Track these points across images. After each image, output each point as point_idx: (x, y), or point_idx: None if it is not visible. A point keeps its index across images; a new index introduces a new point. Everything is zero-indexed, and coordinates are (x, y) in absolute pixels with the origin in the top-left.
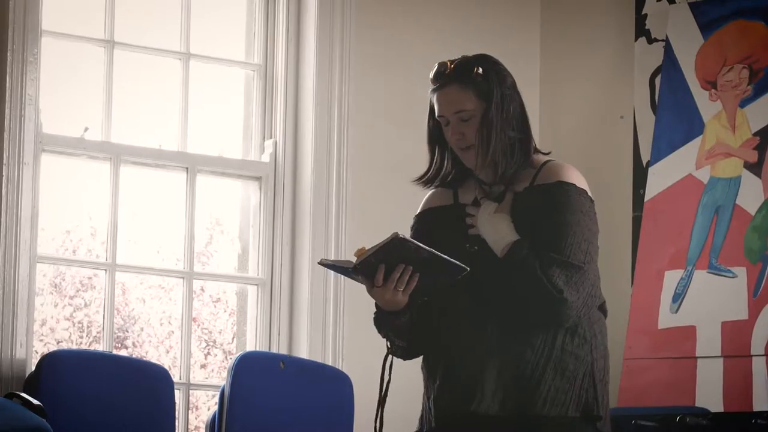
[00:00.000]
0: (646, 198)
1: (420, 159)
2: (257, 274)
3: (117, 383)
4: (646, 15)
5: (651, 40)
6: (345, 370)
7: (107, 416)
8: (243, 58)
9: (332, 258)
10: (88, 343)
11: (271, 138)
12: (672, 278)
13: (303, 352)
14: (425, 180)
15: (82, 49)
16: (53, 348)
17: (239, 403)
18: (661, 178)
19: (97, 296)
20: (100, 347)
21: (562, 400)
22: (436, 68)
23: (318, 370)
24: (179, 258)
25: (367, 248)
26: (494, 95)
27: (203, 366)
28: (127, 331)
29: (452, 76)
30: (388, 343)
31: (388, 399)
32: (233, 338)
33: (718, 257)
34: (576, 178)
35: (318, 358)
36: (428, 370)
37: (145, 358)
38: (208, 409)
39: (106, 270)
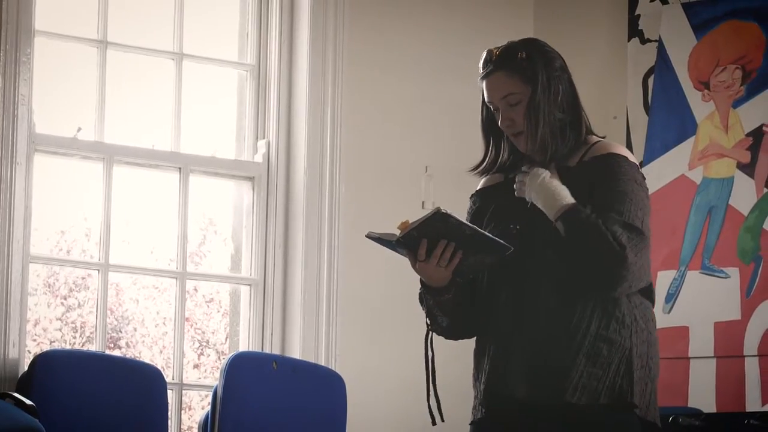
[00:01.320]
0: None
1: (413, 159)
2: (250, 275)
3: (110, 383)
4: (639, 15)
5: (644, 41)
6: (337, 370)
7: (100, 416)
8: (236, 58)
9: (378, 232)
10: (81, 344)
11: (264, 138)
12: (665, 278)
13: (296, 352)
14: (481, 170)
15: (75, 49)
16: (46, 348)
17: (232, 403)
18: (654, 178)
19: (91, 296)
20: (93, 347)
21: (594, 386)
22: (483, 56)
23: (311, 371)
24: (172, 258)
25: (410, 222)
26: (540, 78)
27: (196, 366)
28: (121, 332)
29: (497, 63)
30: (428, 320)
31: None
32: (226, 338)
33: (710, 258)
34: (627, 153)
35: (311, 359)
36: (478, 356)
37: (138, 358)
38: (202, 409)
39: (99, 270)
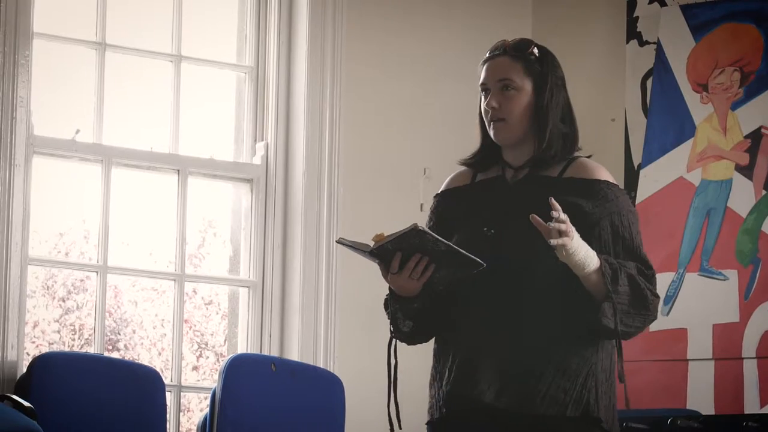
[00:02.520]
0: (638, 200)
1: (411, 161)
2: (249, 277)
3: (108, 385)
4: (637, 17)
5: (642, 43)
6: (336, 372)
7: (98, 418)
8: (234, 60)
9: (350, 240)
10: (79, 346)
11: (262, 140)
12: (663, 281)
13: (294, 354)
14: (475, 162)
15: (73, 52)
16: (45, 350)
17: (231, 405)
18: (652, 180)
19: (89, 298)
20: (92, 349)
21: (562, 399)
22: (494, 44)
23: (309, 372)
24: (171, 260)
25: (386, 234)
26: (549, 79)
27: (195, 368)
28: (119, 334)
29: (507, 50)
30: (392, 327)
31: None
32: (225, 340)
33: (709, 260)
34: (611, 177)
35: (309, 361)
36: (442, 357)
37: (136, 361)
38: (201, 411)
39: (97, 272)
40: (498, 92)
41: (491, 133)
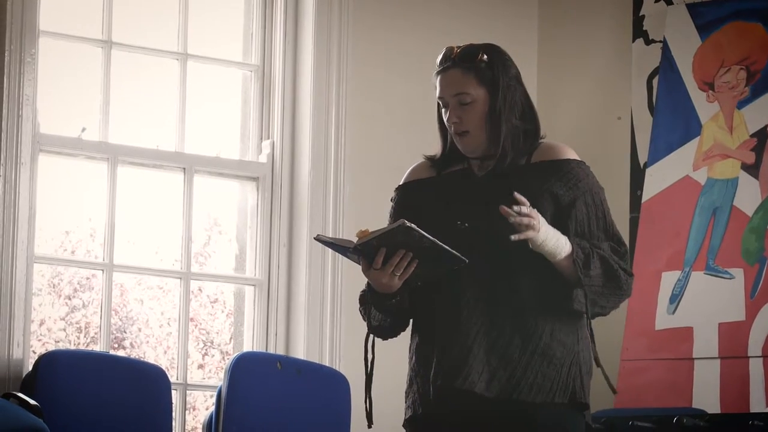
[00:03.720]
0: (644, 199)
1: (417, 159)
2: (254, 275)
3: (114, 383)
4: (643, 16)
5: (649, 42)
6: (342, 371)
7: (104, 416)
8: (240, 58)
9: (330, 236)
10: (85, 344)
11: (268, 138)
12: (669, 279)
13: (300, 352)
14: (437, 162)
15: (79, 50)
16: (51, 348)
17: (236, 404)
18: (658, 179)
19: (95, 297)
20: (98, 348)
21: (549, 386)
22: (442, 52)
23: (315, 371)
24: (177, 258)
25: (370, 230)
26: (500, 84)
27: (200, 366)
28: (125, 332)
29: (456, 60)
30: (367, 322)
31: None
32: (230, 339)
33: (715, 258)
34: (575, 154)
35: (315, 359)
36: (425, 352)
37: (142, 359)
38: (206, 410)
39: (103, 270)
40: (456, 106)
41: (459, 146)
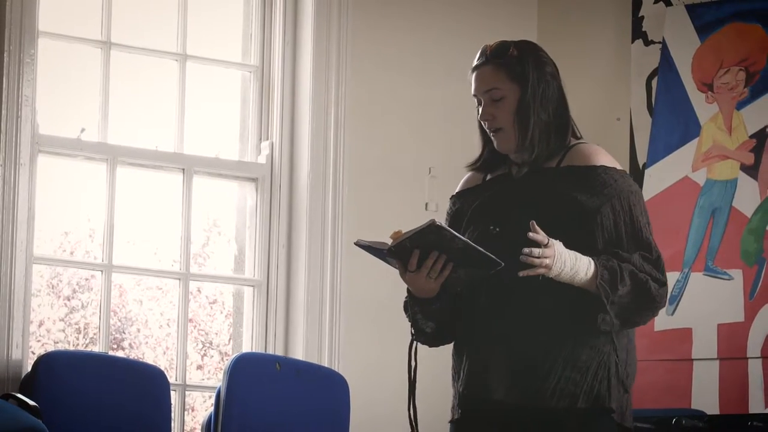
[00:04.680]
0: None
1: (416, 160)
2: (253, 276)
3: (113, 384)
4: (643, 17)
5: (648, 42)
6: (341, 372)
7: (103, 417)
8: (240, 59)
9: (368, 240)
10: (84, 345)
11: (267, 139)
12: (668, 280)
13: (299, 353)
14: (478, 166)
15: (79, 50)
16: (50, 349)
17: (235, 405)
18: (657, 180)
19: (94, 297)
20: (97, 348)
21: (572, 391)
22: (480, 51)
23: (314, 372)
24: (176, 259)
25: (403, 231)
26: (530, 78)
27: (199, 367)
28: (124, 333)
29: (489, 57)
30: (413, 330)
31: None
32: (229, 339)
33: (714, 259)
34: (610, 158)
35: (314, 360)
36: (457, 357)
37: (141, 360)
38: (205, 410)
39: (102, 271)
40: (489, 103)
41: (495, 143)
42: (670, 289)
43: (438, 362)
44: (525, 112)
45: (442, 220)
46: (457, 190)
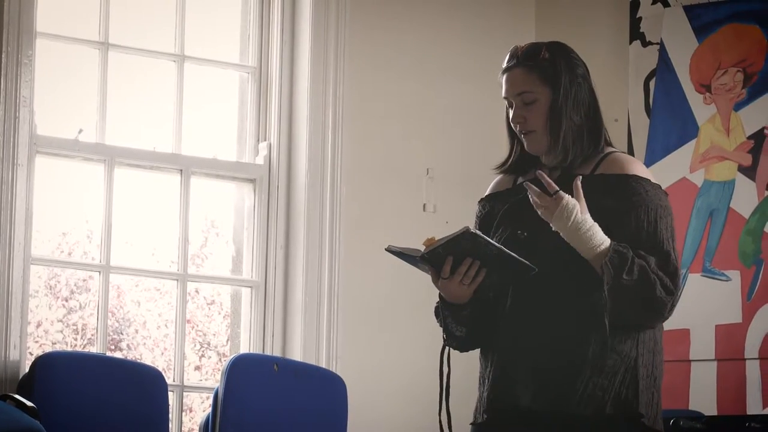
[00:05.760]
0: None
1: (414, 161)
2: (251, 277)
3: (111, 385)
4: (640, 18)
5: (646, 43)
6: (339, 373)
7: (101, 418)
8: (237, 60)
9: (399, 246)
10: (82, 345)
11: (265, 140)
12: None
13: (297, 354)
14: (506, 168)
15: (76, 51)
16: (48, 350)
17: (233, 405)
18: (655, 181)
19: (92, 298)
20: (95, 349)
21: (600, 396)
22: (509, 52)
23: (312, 373)
24: (173, 260)
25: (436, 239)
26: (562, 80)
27: (197, 368)
28: (122, 333)
29: (520, 59)
30: (444, 335)
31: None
32: (227, 340)
33: (712, 260)
34: (646, 171)
35: (312, 361)
36: (484, 362)
37: (139, 360)
38: (203, 411)
39: (100, 272)
40: (520, 106)
41: (526, 146)
42: None
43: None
44: (557, 116)
45: (441, 221)
46: (486, 193)
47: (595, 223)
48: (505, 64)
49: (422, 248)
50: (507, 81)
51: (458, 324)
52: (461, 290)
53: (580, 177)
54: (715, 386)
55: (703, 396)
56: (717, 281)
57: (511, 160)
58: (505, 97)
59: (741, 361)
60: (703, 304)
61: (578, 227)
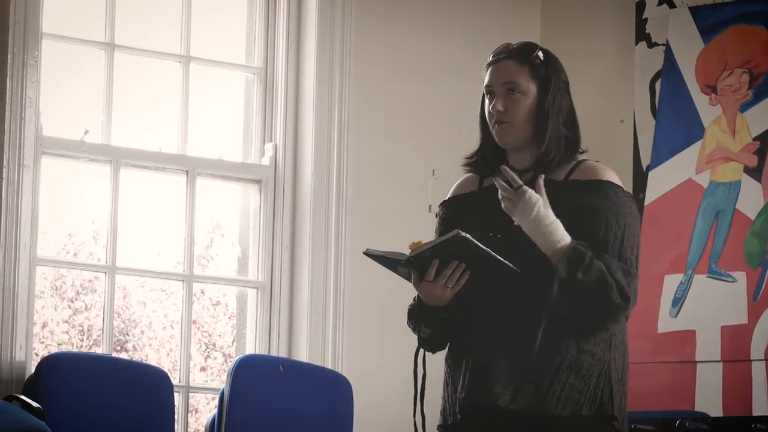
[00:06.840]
0: (646, 202)
1: (420, 162)
2: (257, 278)
3: (116, 386)
4: (646, 19)
5: (651, 45)
6: (344, 373)
7: (106, 419)
8: (243, 61)
9: (379, 249)
10: (88, 346)
11: (271, 141)
12: (672, 282)
13: (302, 355)
14: (472, 161)
15: (82, 52)
16: (54, 351)
17: (239, 406)
18: (660, 182)
19: (98, 299)
20: (100, 350)
21: (576, 399)
22: (498, 47)
23: (317, 373)
24: (179, 261)
25: (423, 242)
26: (552, 82)
27: (203, 369)
28: (128, 334)
29: (512, 53)
30: (418, 337)
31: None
32: (233, 341)
33: (717, 262)
34: (617, 177)
35: (317, 361)
36: (454, 363)
37: (145, 361)
38: (209, 412)
39: (106, 273)
40: (504, 95)
41: (495, 136)
42: (673, 291)
43: (439, 369)
44: (543, 115)
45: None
46: (449, 196)
47: (557, 219)
48: (492, 57)
49: (407, 252)
50: (494, 71)
51: (427, 326)
52: (444, 293)
53: (543, 176)
54: (721, 387)
55: (708, 397)
56: (723, 282)
57: (480, 153)
58: (487, 86)
59: (747, 362)
60: (708, 306)
61: (540, 220)
